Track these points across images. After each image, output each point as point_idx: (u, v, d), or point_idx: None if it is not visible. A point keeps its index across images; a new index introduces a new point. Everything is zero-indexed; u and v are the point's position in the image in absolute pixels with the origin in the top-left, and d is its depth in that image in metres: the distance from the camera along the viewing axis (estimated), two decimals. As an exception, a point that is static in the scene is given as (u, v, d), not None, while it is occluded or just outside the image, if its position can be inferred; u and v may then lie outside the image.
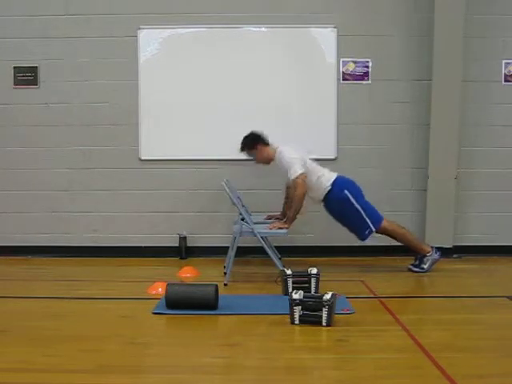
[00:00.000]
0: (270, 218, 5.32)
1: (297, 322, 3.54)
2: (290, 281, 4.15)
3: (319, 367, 2.91)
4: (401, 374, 2.81)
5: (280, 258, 5.21)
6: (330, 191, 5.04)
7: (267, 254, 4.82)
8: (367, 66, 5.89)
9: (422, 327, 3.59)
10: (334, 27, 5.84)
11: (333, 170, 5.18)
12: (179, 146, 5.91)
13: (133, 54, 5.88)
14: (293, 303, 3.54)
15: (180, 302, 3.82)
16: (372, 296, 4.34)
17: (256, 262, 5.48)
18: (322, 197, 5.08)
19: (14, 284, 4.89)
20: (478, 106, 5.89)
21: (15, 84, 5.93)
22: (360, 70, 5.89)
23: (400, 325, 3.55)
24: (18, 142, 5.97)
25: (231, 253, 4.86)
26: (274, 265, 4.80)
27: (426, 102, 5.77)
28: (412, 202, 5.95)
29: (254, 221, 4.99)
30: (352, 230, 5.15)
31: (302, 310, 3.52)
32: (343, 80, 5.91)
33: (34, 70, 5.91)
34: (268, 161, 5.17)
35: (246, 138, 5.13)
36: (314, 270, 4.21)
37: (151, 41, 5.89)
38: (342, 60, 5.89)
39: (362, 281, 4.79)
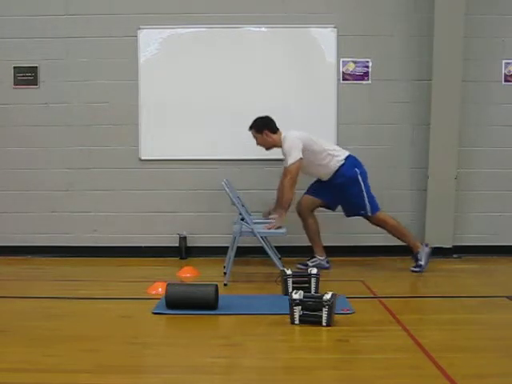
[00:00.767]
0: (268, 213, 5.32)
1: (297, 321, 3.54)
2: (289, 281, 4.15)
3: (319, 367, 2.90)
4: (401, 373, 2.80)
5: (280, 258, 5.21)
6: (342, 165, 5.10)
7: (267, 253, 4.82)
8: (367, 66, 5.90)
9: (421, 327, 3.59)
10: (334, 27, 5.84)
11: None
12: (179, 146, 5.91)
13: (133, 53, 5.88)
14: (293, 303, 3.54)
15: (180, 302, 3.82)
16: (372, 296, 4.34)
17: (256, 262, 5.48)
18: (333, 170, 5.10)
19: (14, 284, 4.89)
20: (477, 106, 5.89)
21: (15, 84, 5.93)
22: (360, 70, 5.89)
23: (400, 325, 3.55)
24: (18, 142, 5.97)
25: (231, 253, 4.86)
26: (273, 265, 4.80)
27: (426, 102, 5.78)
28: (412, 202, 5.96)
29: (254, 221, 4.99)
30: (347, 207, 5.24)
31: (301, 309, 3.52)
32: (343, 80, 5.91)
33: (33, 70, 5.91)
34: (270, 147, 5.22)
35: (258, 119, 5.18)
36: (314, 270, 4.21)
37: (151, 41, 5.89)
38: (341, 60, 5.89)
39: (361, 281, 4.78)
